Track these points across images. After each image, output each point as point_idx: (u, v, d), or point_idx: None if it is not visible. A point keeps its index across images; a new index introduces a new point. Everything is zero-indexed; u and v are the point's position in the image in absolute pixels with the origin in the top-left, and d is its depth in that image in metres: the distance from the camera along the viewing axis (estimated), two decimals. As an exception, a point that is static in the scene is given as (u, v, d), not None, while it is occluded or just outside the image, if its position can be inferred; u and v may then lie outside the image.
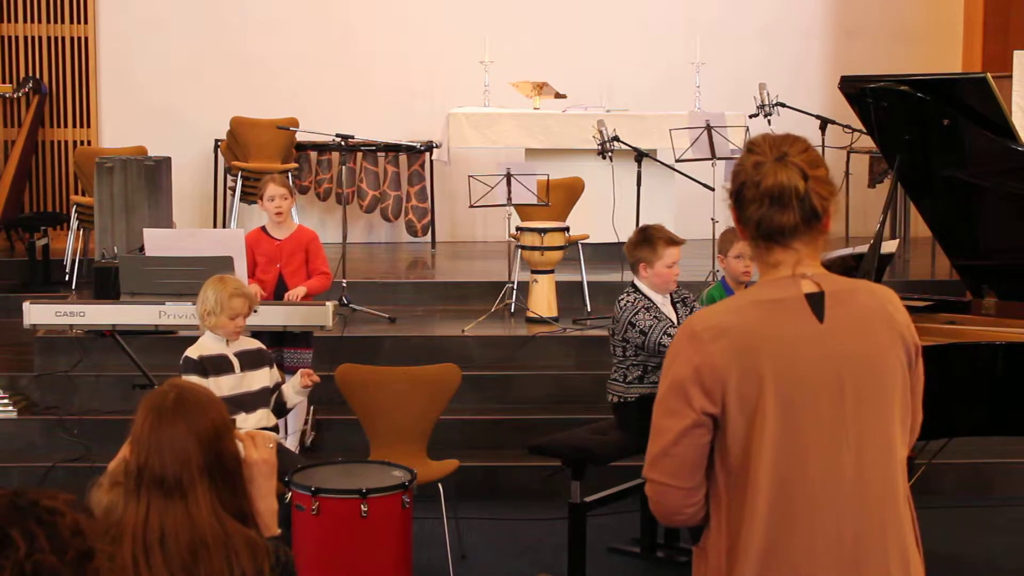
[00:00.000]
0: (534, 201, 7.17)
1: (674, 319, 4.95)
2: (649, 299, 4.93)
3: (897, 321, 2.27)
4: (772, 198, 2.21)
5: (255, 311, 4.95)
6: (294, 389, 4.82)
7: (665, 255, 4.92)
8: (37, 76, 9.55)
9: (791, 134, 2.30)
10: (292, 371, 5.20)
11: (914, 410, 2.34)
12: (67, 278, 8.19)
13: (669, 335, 4.77)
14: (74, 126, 9.78)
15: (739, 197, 2.27)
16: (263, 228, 5.94)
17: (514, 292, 7.24)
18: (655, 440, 2.24)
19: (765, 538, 2.17)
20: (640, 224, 5.65)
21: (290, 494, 4.33)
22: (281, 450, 4.62)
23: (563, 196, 7.86)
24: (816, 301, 2.22)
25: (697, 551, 2.33)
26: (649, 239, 4.96)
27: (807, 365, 2.18)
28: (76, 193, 9.01)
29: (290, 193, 5.91)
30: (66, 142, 9.76)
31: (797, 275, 2.24)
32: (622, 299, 4.94)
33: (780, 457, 2.16)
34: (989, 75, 4.55)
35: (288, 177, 8.00)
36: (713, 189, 7.31)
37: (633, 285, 4.99)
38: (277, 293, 5.80)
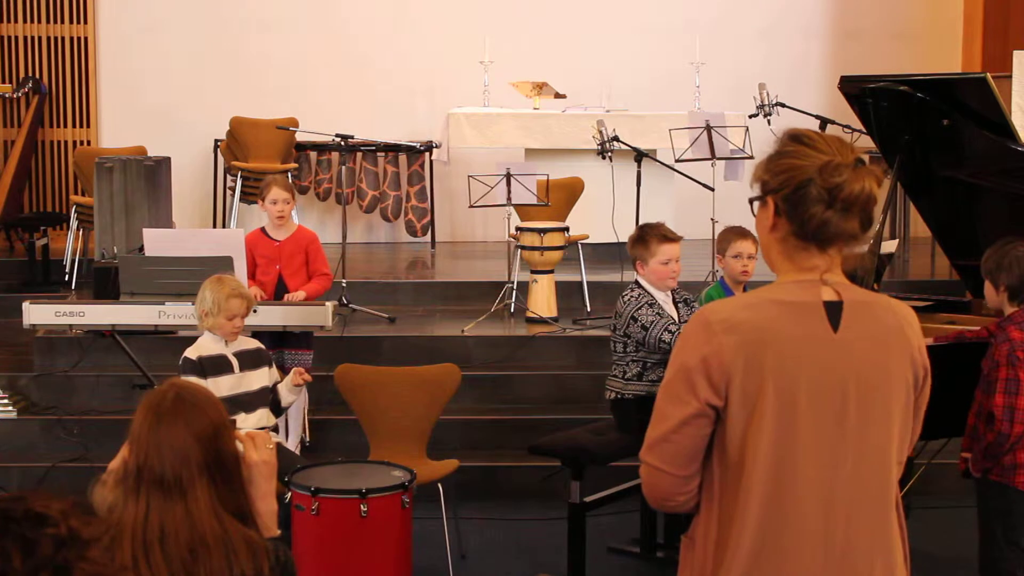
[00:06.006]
0: (534, 201, 7.17)
1: (675, 318, 4.96)
2: (652, 296, 4.95)
3: (910, 342, 2.25)
4: (847, 204, 2.15)
5: (254, 311, 4.95)
6: (287, 387, 4.82)
7: (659, 252, 4.93)
8: (37, 76, 9.55)
9: (835, 135, 2.25)
10: (292, 372, 5.21)
11: (914, 428, 2.32)
12: (67, 278, 8.19)
13: (670, 332, 4.79)
14: (74, 126, 9.78)
15: (796, 194, 2.17)
16: (263, 229, 5.93)
17: (514, 292, 7.24)
18: (656, 424, 2.24)
19: (756, 536, 2.17)
20: (640, 223, 5.66)
21: (290, 494, 4.32)
22: (281, 450, 4.62)
23: (563, 196, 7.86)
24: (834, 310, 2.19)
25: (685, 540, 2.33)
26: (643, 236, 4.99)
27: (813, 370, 2.16)
28: (76, 193, 9.01)
29: (292, 196, 5.91)
30: (66, 142, 9.76)
31: (820, 280, 2.21)
32: (626, 294, 4.97)
33: (776, 457, 2.16)
34: (989, 75, 4.55)
35: (288, 178, 8.00)
36: (713, 189, 7.32)
37: (637, 282, 5.01)
38: (277, 294, 5.79)
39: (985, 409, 4.06)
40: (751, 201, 2.29)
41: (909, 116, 4.66)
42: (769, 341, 2.16)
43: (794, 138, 2.23)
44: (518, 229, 7.24)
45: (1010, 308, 4.12)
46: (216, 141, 9.43)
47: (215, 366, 4.65)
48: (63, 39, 9.71)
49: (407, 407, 5.18)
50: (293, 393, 4.87)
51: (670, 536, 5.23)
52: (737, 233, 5.20)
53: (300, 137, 9.19)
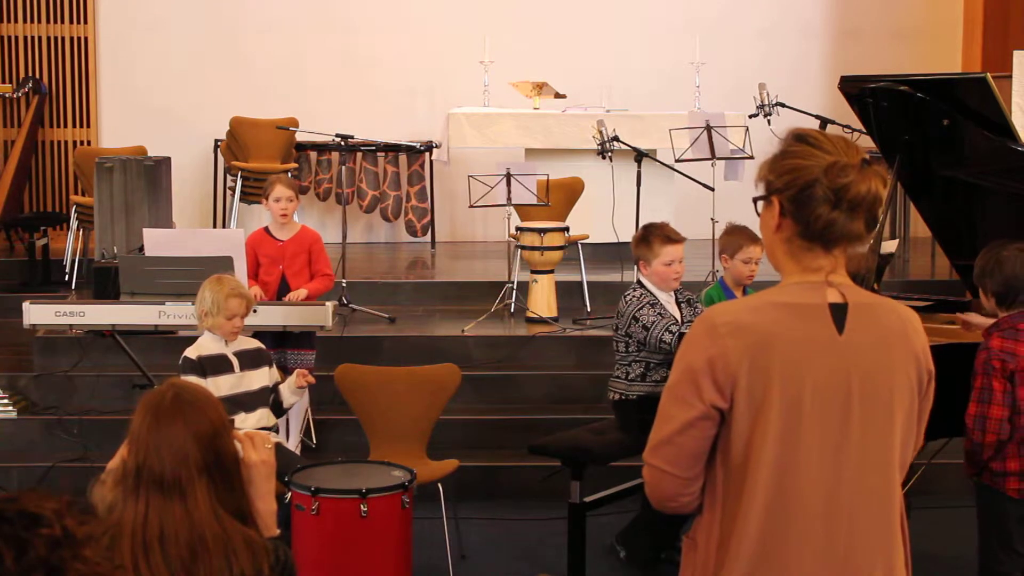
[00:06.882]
0: (534, 201, 7.17)
1: (678, 318, 4.95)
2: (654, 296, 4.94)
3: (914, 344, 2.24)
4: (853, 204, 2.14)
5: (254, 311, 4.95)
6: (290, 389, 4.81)
7: (662, 253, 4.92)
8: (37, 76, 9.56)
9: (839, 135, 2.24)
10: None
11: (916, 435, 2.32)
12: (67, 278, 8.19)
13: (671, 332, 4.78)
14: (74, 126, 9.78)
15: (802, 194, 2.16)
16: (266, 229, 5.94)
17: (514, 292, 7.24)
18: (660, 426, 2.23)
19: (758, 539, 2.17)
20: (641, 224, 5.65)
21: (290, 494, 4.32)
22: (281, 450, 4.62)
23: (563, 196, 7.86)
24: (839, 312, 2.19)
25: (687, 540, 2.32)
26: (647, 237, 4.97)
27: (818, 372, 2.16)
28: (76, 193, 9.01)
29: (296, 195, 5.91)
30: (66, 142, 9.76)
31: (825, 282, 2.20)
32: (628, 294, 4.96)
33: (780, 460, 2.15)
34: (989, 75, 4.54)
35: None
36: (713, 189, 7.32)
37: (639, 282, 5.01)
38: (280, 294, 5.79)
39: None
40: (755, 200, 2.28)
41: (909, 116, 4.66)
42: (775, 344, 2.15)
43: (799, 138, 2.22)
44: (518, 229, 7.23)
45: (1002, 313, 4.08)
46: (216, 141, 9.43)
47: (215, 366, 4.65)
48: (63, 39, 9.71)
49: (407, 407, 5.17)
50: (296, 395, 4.87)
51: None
52: (749, 238, 5.14)
53: (300, 137, 9.19)
